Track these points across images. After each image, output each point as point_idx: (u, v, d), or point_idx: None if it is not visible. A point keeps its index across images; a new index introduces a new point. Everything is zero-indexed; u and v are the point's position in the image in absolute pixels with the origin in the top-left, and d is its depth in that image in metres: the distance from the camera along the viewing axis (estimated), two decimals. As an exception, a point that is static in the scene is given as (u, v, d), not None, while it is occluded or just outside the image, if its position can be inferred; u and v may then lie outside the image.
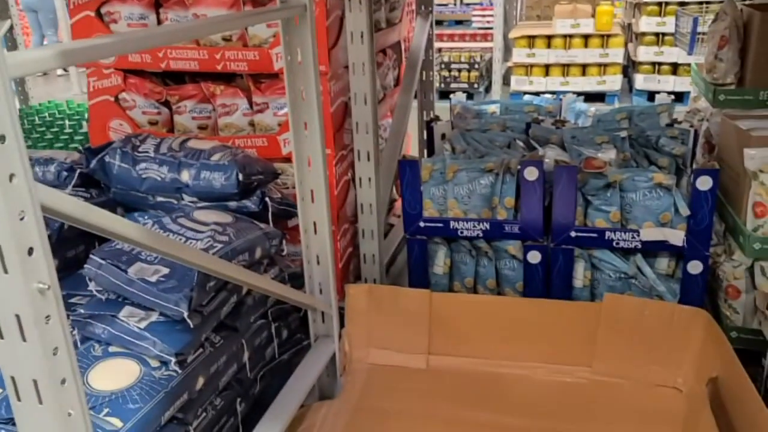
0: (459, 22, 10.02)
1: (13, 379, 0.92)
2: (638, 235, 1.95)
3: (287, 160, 2.39)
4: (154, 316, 1.51)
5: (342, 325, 2.10)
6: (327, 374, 2.05)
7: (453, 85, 6.78)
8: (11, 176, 0.83)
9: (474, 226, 2.17)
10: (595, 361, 1.94)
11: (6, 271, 0.85)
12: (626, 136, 2.21)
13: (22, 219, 0.85)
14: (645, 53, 6.30)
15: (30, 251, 0.87)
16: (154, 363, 1.47)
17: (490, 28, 7.88)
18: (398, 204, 3.12)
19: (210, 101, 2.39)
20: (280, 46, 2.23)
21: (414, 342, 2.08)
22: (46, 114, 3.36)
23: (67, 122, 3.13)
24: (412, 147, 3.58)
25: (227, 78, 2.43)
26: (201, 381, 1.56)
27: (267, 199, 1.97)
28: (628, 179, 1.95)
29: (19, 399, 0.93)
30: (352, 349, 2.09)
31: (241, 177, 1.86)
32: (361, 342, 2.10)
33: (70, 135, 2.90)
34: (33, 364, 0.90)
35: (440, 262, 2.27)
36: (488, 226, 2.15)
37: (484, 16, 9.60)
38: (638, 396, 1.86)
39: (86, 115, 3.21)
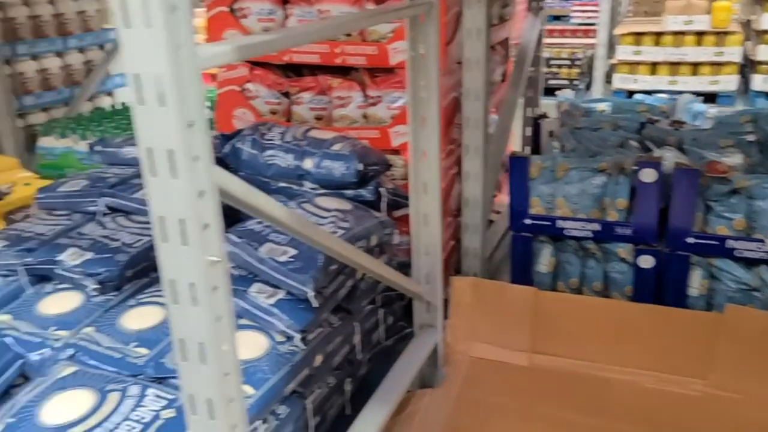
0: (557, 17, 9.77)
1: (182, 341, 1.02)
2: (765, 246, 1.87)
3: (396, 152, 2.46)
4: (281, 294, 1.61)
5: (445, 316, 2.15)
6: (428, 363, 2.10)
7: (552, 82, 6.64)
8: (196, 158, 0.93)
9: (583, 227, 2.15)
10: (712, 373, 1.88)
11: (186, 244, 0.95)
12: (754, 140, 2.11)
13: (201, 197, 0.95)
14: (766, 52, 5.90)
15: (206, 227, 0.96)
16: (280, 338, 1.57)
17: (592, 24, 7.64)
18: (497, 200, 3.12)
19: (326, 93, 2.49)
20: (398, 42, 2.31)
21: (517, 339, 2.09)
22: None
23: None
24: (513, 143, 3.56)
25: (343, 71, 2.52)
26: (319, 359, 1.65)
27: (381, 189, 2.04)
28: (757, 186, 1.87)
29: (185, 359, 1.03)
30: (455, 340, 2.13)
31: (360, 167, 1.94)
32: (464, 334, 2.13)
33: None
34: (201, 329, 1.00)
35: (545, 261, 2.26)
36: (599, 227, 2.13)
37: (584, 11, 9.31)
38: (760, 414, 1.78)
39: (207, 104, 3.42)
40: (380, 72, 2.44)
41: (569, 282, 2.22)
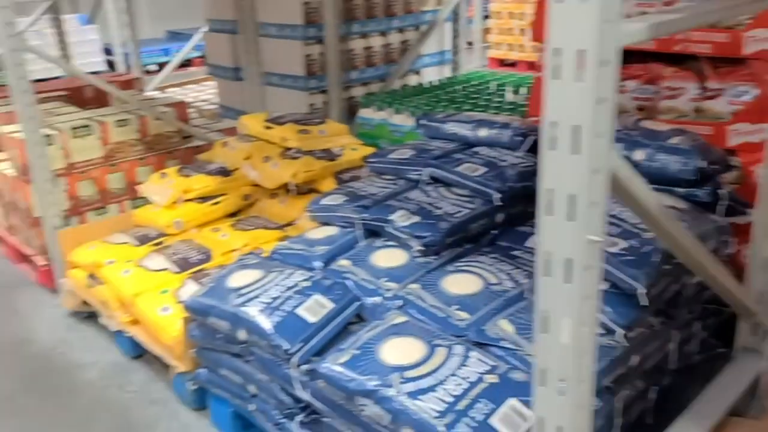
0: None
1: (545, 313, 1.04)
2: None
3: (730, 152, 2.20)
4: (604, 286, 1.56)
5: (772, 343, 1.88)
6: (745, 390, 1.87)
7: None
8: (599, 135, 0.92)
9: None
10: None
11: (572, 219, 0.96)
12: None
13: (595, 175, 0.94)
14: None
15: (593, 205, 0.96)
16: (599, 329, 1.53)
17: None
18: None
19: (655, 82, 2.33)
20: (758, 29, 2.04)
21: None
22: (475, 82, 3.77)
23: (495, 90, 3.49)
24: None
25: (676, 59, 2.32)
26: (636, 359, 1.57)
27: (720, 191, 1.84)
28: None
29: (545, 331, 1.05)
30: (785, 373, 1.85)
31: (702, 164, 1.77)
32: (798, 369, 1.84)
33: (500, 103, 3.19)
34: (568, 306, 1.01)
35: None
36: None
37: None
38: None
39: (493, 84, 3.50)
40: (724, 62, 2.19)
41: None
